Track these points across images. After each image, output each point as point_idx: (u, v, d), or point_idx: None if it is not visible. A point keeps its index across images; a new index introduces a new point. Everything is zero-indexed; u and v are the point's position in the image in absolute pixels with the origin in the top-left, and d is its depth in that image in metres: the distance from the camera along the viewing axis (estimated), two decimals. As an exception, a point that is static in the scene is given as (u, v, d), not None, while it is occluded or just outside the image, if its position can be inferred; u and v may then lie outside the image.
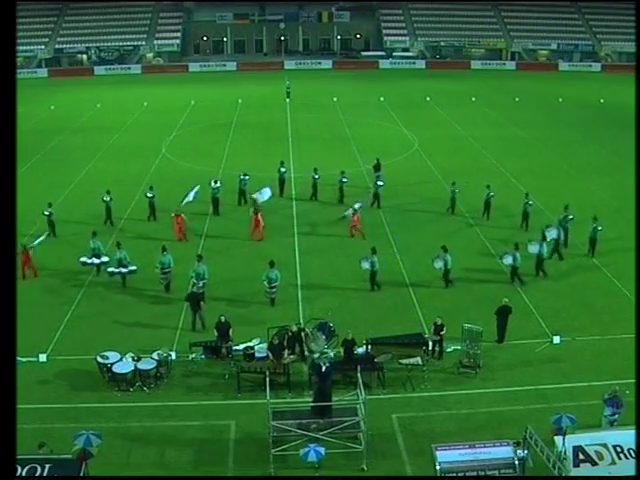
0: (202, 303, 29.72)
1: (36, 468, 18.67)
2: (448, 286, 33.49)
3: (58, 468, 18.76)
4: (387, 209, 43.38)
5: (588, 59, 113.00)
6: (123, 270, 33.21)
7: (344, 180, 44.78)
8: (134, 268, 33.31)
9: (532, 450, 20.06)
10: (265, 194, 40.94)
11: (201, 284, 31.39)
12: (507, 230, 39.63)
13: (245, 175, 45.02)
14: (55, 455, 19.63)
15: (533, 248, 34.67)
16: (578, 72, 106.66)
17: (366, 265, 33.35)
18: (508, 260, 33.81)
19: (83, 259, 34.32)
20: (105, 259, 34.25)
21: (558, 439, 19.91)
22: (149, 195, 42.17)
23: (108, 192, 41.69)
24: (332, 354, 26.43)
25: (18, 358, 27.35)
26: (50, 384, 26.11)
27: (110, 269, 33.41)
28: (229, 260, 36.48)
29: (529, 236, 36.37)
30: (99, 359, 25.94)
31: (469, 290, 33.11)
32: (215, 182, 43.35)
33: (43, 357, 27.52)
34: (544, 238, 35.24)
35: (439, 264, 33.59)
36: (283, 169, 46.72)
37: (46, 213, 39.75)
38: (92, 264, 34.36)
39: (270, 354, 25.83)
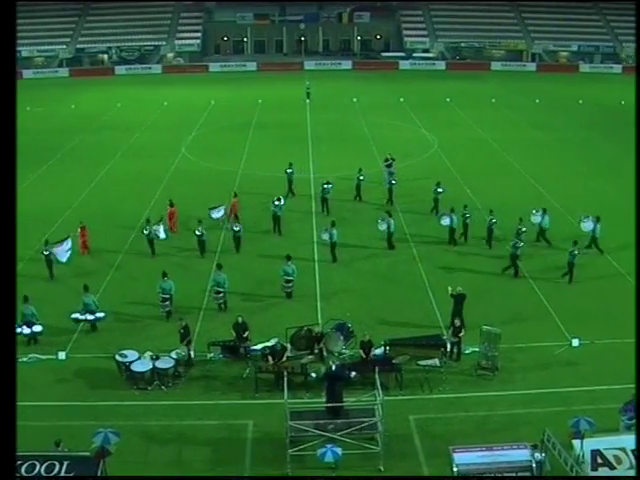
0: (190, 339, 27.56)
1: (54, 465, 18.80)
2: (392, 249, 37.53)
3: (76, 465, 18.88)
4: (405, 209, 43.35)
5: (609, 60, 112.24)
6: (89, 317, 29.70)
7: (361, 178, 45.18)
8: (102, 315, 29.84)
9: (550, 453, 19.99)
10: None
11: (221, 294, 31.31)
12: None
13: (328, 183, 43.51)
14: (73, 452, 19.73)
15: (535, 218, 38.19)
16: (599, 74, 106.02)
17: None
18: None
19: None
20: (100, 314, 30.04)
21: (576, 442, 19.80)
22: (146, 230, 37.47)
23: (148, 221, 37.91)
24: (348, 354, 26.58)
25: (38, 356, 27.69)
26: (69, 382, 26.27)
27: (74, 315, 29.63)
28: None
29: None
30: (118, 357, 26.05)
31: (488, 291, 33.06)
32: (278, 200, 40.89)
33: (62, 355, 27.70)
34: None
35: (383, 226, 37.57)
36: (290, 170, 46.51)
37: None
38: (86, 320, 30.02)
39: (270, 356, 25.87)
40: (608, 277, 34.39)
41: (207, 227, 37.93)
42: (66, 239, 35.40)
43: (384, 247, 37.82)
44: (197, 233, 36.93)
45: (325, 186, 43.33)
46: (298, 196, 45.71)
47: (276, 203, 40.68)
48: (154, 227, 37.27)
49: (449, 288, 29.83)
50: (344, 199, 44.84)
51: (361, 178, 45.19)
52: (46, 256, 34.53)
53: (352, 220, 41.60)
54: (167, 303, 30.76)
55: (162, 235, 37.35)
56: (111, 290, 33.35)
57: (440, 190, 42.72)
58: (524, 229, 36.41)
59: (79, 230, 37.47)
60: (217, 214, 40.27)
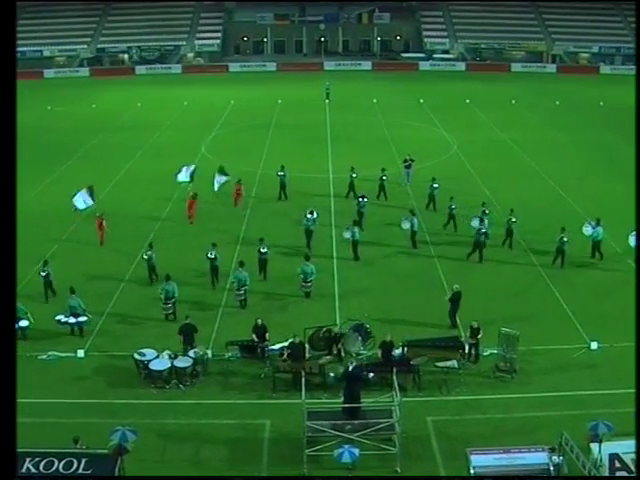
0: (195, 335, 27.41)
1: (72, 462, 18.87)
2: (415, 247, 37.73)
3: (94, 463, 18.97)
4: (424, 209, 43.22)
5: (630, 62, 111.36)
6: (71, 320, 29.23)
7: (354, 175, 45.87)
8: (84, 319, 29.35)
9: (567, 456, 19.90)
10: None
11: (242, 291, 31.44)
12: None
13: (363, 197, 41.25)
14: (91, 450, 19.83)
15: (587, 230, 36.48)
16: (620, 75, 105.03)
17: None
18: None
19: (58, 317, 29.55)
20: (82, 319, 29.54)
21: (594, 446, 19.72)
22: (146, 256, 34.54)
23: (151, 246, 35.08)
24: (366, 355, 26.58)
25: (56, 353, 27.84)
26: (87, 380, 26.41)
27: (58, 317, 29.27)
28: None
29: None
30: (136, 356, 26.15)
31: (505, 292, 33.00)
32: (311, 213, 38.13)
33: (81, 353, 27.84)
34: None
35: (406, 225, 37.72)
36: (282, 173, 46.31)
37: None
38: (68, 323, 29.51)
39: (286, 353, 25.96)
40: (629, 282, 34.13)
41: (222, 243, 36.00)
42: (92, 194, 39.18)
43: (403, 246, 37.82)
44: (209, 256, 33.50)
45: (360, 200, 41.09)
46: (316, 195, 45.71)
47: (308, 216, 38.07)
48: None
49: (448, 293, 29.92)
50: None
51: (354, 176, 45.64)
52: (44, 277, 32.47)
53: (372, 219, 41.50)
54: (170, 305, 30.60)
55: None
56: (128, 290, 33.54)
57: (436, 186, 43.34)
58: (514, 219, 37.18)
59: (97, 214, 38.77)
60: (217, 185, 43.62)
